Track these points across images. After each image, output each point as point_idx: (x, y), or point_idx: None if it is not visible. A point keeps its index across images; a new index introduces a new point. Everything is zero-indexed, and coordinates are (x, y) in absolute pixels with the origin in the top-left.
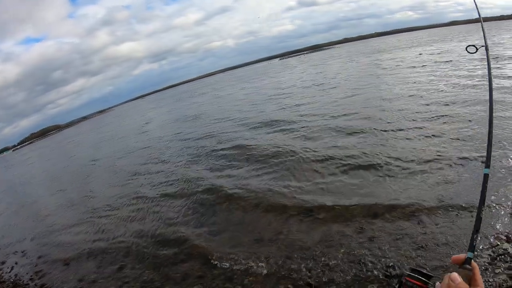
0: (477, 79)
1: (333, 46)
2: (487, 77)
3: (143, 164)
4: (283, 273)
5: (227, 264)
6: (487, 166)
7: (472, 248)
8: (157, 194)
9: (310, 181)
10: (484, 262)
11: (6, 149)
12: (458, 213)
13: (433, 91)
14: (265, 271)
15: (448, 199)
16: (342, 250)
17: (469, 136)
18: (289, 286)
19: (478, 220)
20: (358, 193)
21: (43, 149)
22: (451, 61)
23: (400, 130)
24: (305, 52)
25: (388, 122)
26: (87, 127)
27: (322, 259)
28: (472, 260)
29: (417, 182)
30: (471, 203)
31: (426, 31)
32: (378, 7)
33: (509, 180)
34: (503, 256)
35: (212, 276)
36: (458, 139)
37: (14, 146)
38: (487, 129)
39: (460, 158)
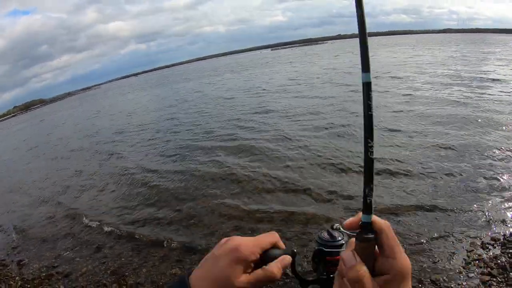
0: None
1: (327, 41)
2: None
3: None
4: None
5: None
6: (367, 71)
7: (368, 207)
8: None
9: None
10: (459, 265)
11: None
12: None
13: None
14: None
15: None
16: None
17: None
18: None
19: (370, 163)
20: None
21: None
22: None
23: None
24: (297, 44)
25: None
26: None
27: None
28: (374, 220)
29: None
30: None
31: (418, 36)
32: (373, 7)
33: (486, 188)
34: (477, 262)
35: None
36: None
37: None
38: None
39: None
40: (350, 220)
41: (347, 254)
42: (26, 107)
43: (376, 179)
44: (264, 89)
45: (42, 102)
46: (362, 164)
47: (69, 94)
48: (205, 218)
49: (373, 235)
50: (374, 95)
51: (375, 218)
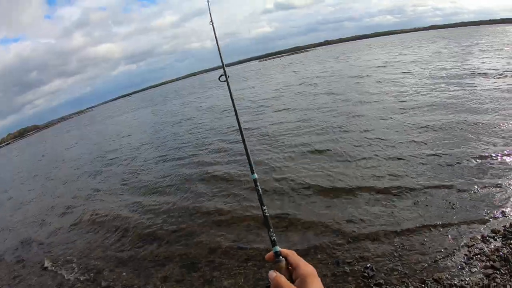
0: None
1: (314, 48)
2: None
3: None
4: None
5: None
6: (253, 172)
7: (274, 243)
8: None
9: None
10: (461, 261)
11: None
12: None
13: None
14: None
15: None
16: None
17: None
18: None
19: (266, 218)
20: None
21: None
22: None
23: None
24: (285, 54)
25: None
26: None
27: None
28: (281, 250)
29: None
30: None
31: (404, 35)
32: (356, 10)
33: (485, 181)
34: (479, 256)
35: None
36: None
37: None
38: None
39: None
40: (268, 254)
41: (270, 272)
42: (20, 134)
43: (374, 183)
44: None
45: (36, 128)
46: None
47: (63, 119)
48: (203, 235)
49: (283, 258)
50: (359, 104)
51: (282, 249)
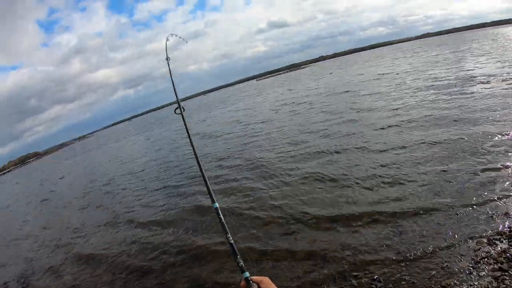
0: None
1: (310, 64)
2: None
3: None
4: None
5: None
6: (214, 201)
7: (242, 269)
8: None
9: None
10: (468, 266)
11: None
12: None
13: None
14: None
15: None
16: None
17: None
18: None
19: (231, 246)
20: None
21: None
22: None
23: None
24: (282, 72)
25: None
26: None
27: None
28: (252, 278)
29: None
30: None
31: (398, 45)
32: (349, 24)
33: (487, 185)
34: (486, 259)
35: None
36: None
37: None
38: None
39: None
40: (242, 283)
41: None
42: (21, 161)
43: (377, 189)
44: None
45: (37, 155)
46: None
47: (62, 145)
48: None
49: (255, 284)
50: (354, 122)
51: (254, 277)
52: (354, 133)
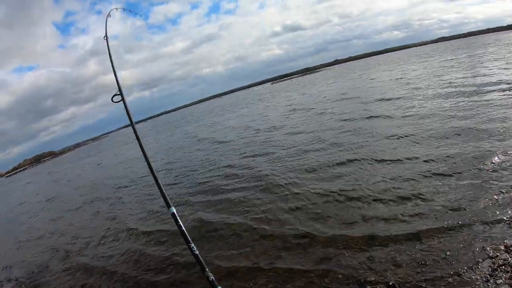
0: None
1: (325, 68)
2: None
3: None
4: None
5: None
6: (169, 205)
7: (213, 284)
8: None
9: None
10: (485, 273)
11: None
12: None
13: None
14: None
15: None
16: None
17: None
18: None
19: (196, 257)
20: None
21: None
22: None
23: None
24: (296, 75)
25: None
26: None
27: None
28: None
29: None
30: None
31: (413, 49)
32: (364, 27)
33: (502, 189)
34: (503, 267)
35: None
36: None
37: (7, 172)
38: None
39: None
40: None
41: None
42: (36, 159)
43: (392, 195)
44: None
45: (52, 154)
46: None
47: (78, 145)
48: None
49: None
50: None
51: None
52: (366, 141)
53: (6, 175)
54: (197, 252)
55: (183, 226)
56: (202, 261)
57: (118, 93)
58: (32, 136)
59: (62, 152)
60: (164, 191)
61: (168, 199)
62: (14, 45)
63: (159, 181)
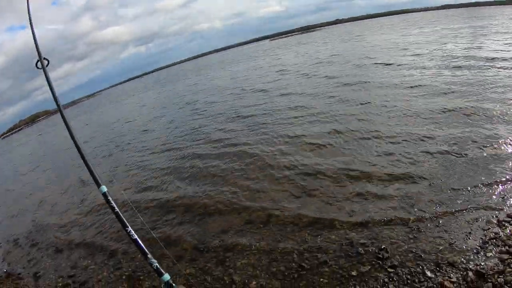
0: None
1: (325, 27)
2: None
3: None
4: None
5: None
6: (99, 184)
7: (159, 272)
8: None
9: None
10: (476, 245)
11: None
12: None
13: None
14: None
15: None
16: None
17: None
18: (281, 267)
19: (135, 242)
20: None
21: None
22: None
23: None
24: (296, 33)
25: None
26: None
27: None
28: (171, 280)
29: None
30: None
31: (418, 14)
32: None
33: (500, 165)
34: (494, 240)
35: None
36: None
37: (3, 133)
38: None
39: None
40: None
41: None
42: (32, 119)
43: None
44: None
45: (48, 113)
46: None
47: (74, 103)
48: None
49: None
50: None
51: (181, 285)
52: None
53: (1, 137)
54: (135, 237)
55: (116, 208)
56: (143, 246)
57: (38, 59)
58: (26, 95)
59: (57, 111)
60: (93, 169)
61: (98, 177)
62: (7, 5)
63: (87, 160)
